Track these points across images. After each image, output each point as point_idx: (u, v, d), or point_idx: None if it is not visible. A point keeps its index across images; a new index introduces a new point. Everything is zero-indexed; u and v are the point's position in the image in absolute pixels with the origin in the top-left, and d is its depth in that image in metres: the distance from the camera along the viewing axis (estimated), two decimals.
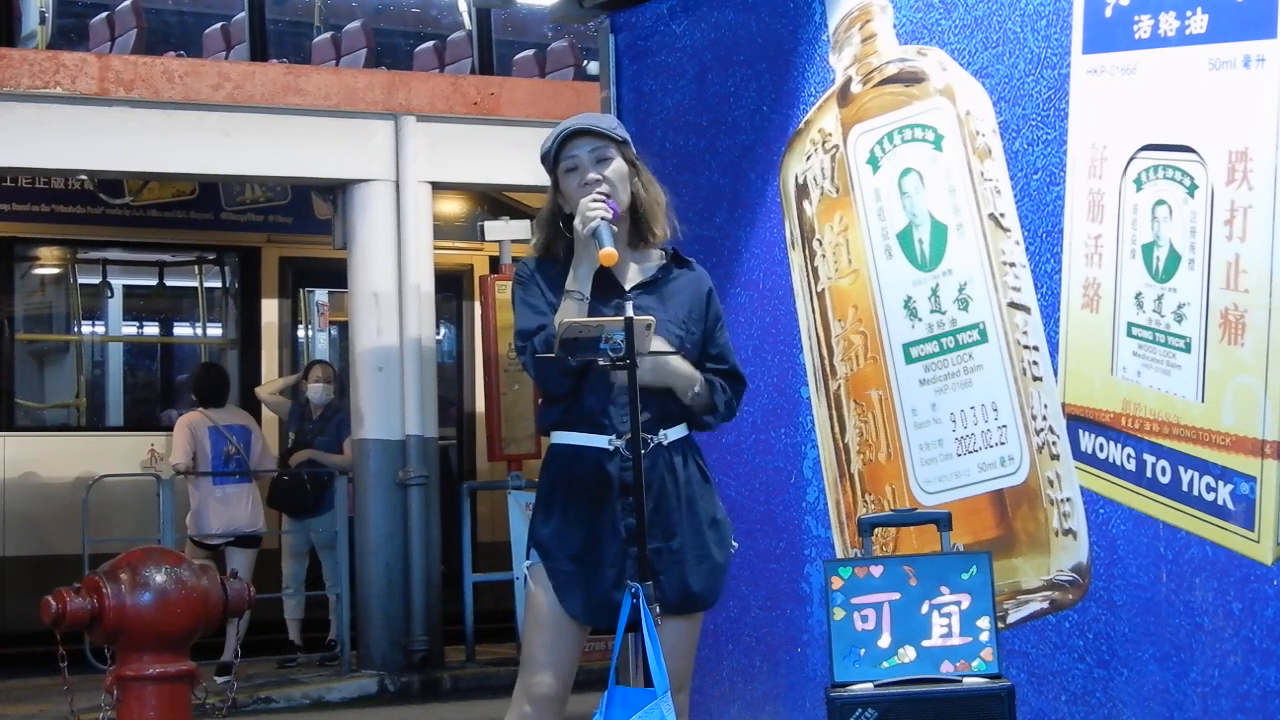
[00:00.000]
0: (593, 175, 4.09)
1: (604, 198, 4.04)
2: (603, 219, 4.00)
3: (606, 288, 4.08)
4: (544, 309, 4.09)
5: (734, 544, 4.21)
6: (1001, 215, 4.74)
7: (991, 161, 4.76)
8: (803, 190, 5.39)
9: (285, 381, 11.19)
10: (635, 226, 4.17)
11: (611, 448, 4.05)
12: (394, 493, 10.04)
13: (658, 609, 3.85)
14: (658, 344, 3.96)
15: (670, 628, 3.97)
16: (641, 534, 3.86)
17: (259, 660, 10.08)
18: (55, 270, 12.16)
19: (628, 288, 4.14)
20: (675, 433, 4.10)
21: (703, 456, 4.20)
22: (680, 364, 4.05)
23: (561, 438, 4.15)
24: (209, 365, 11.20)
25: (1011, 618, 4.68)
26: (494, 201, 12.27)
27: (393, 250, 10.13)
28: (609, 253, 3.96)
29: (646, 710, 3.73)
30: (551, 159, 4.16)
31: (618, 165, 4.13)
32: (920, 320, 4.97)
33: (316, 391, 10.49)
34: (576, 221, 4.04)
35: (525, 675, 4.13)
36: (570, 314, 4.01)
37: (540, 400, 4.32)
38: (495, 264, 11.18)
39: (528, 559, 4.17)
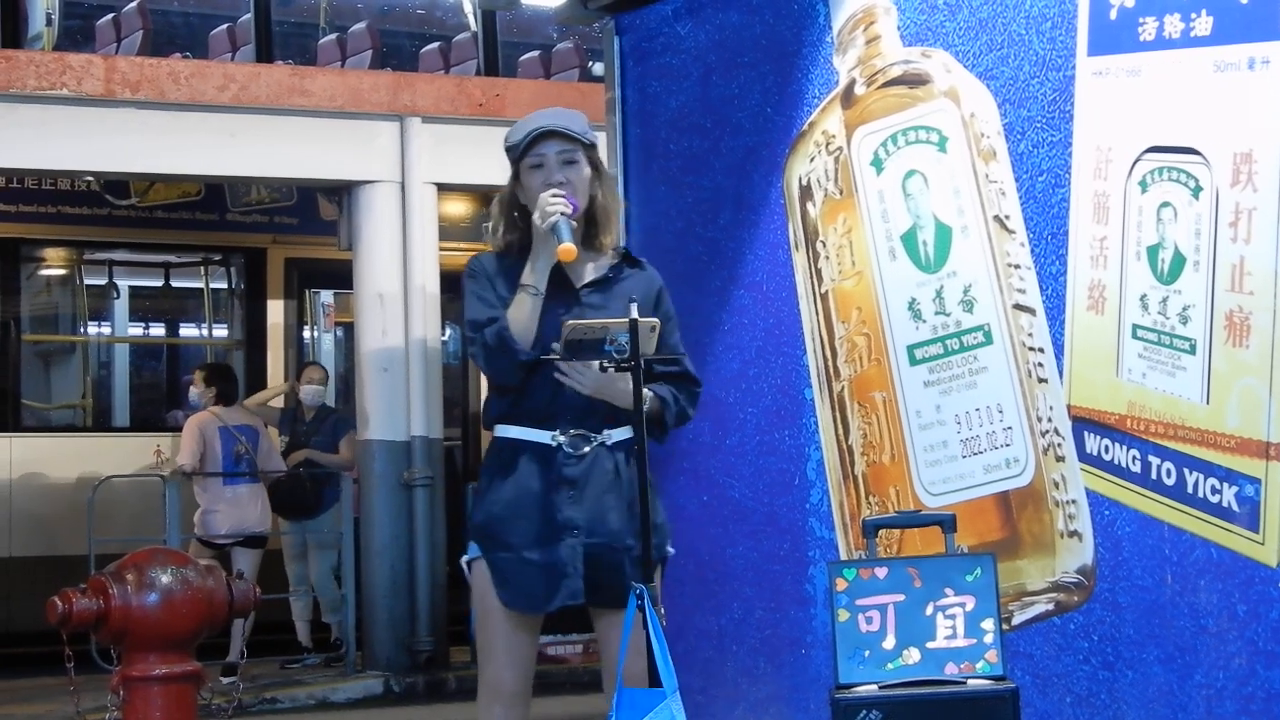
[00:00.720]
0: (558, 178, 4.13)
1: (563, 193, 4.08)
2: (562, 214, 4.02)
3: (558, 285, 4.12)
4: (494, 301, 4.14)
5: (670, 549, 4.25)
6: (1006, 217, 4.73)
7: (996, 163, 4.76)
8: (806, 192, 5.39)
9: (276, 391, 11.20)
10: (589, 229, 4.22)
11: (555, 444, 4.09)
12: (399, 493, 10.04)
13: (663, 610, 3.85)
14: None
15: (614, 622, 4.02)
16: (645, 531, 3.87)
17: (264, 661, 10.08)
18: (61, 271, 12.17)
19: (579, 286, 4.18)
20: (619, 434, 4.13)
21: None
22: (625, 384, 3.95)
23: (506, 431, 4.18)
24: (221, 365, 11.19)
25: (1016, 619, 4.67)
26: None
27: (398, 251, 10.13)
28: (568, 248, 3.99)
29: (657, 711, 3.72)
30: (518, 151, 4.19)
31: (582, 169, 4.18)
32: (924, 322, 4.97)
33: (309, 393, 10.50)
34: (536, 216, 4.08)
35: (488, 673, 4.16)
36: (525, 309, 4.06)
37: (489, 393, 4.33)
38: None
39: (466, 553, 4.19)
